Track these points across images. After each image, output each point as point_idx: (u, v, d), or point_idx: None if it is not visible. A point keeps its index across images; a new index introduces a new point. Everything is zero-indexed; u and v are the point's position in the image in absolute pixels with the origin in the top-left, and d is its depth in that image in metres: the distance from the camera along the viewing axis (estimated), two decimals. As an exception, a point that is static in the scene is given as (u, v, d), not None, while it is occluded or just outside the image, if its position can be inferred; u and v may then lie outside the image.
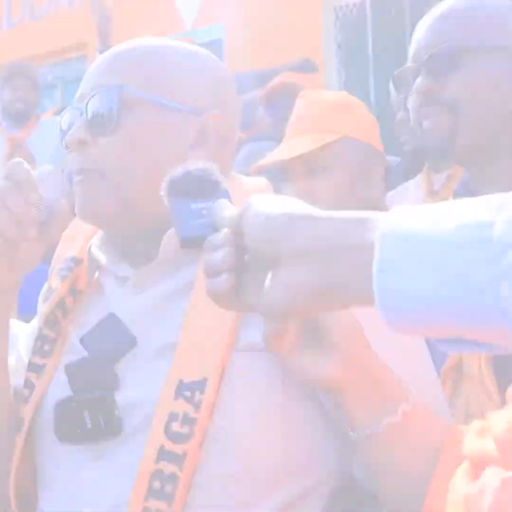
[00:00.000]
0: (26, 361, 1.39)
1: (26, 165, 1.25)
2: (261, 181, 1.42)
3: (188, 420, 1.17)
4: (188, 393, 1.18)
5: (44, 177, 1.28)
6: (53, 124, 5.58)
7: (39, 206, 1.25)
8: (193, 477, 1.17)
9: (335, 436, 1.22)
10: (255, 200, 0.88)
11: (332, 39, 5.44)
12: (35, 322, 1.46)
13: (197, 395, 1.18)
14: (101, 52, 4.83)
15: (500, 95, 1.67)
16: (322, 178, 2.17)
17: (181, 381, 1.19)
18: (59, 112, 5.47)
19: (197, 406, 1.18)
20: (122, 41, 1.43)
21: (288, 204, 0.85)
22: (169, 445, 1.17)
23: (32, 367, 1.35)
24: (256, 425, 1.19)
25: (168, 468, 1.16)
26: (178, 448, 1.16)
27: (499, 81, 1.66)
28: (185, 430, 1.17)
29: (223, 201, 0.96)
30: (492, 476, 0.92)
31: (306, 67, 4.52)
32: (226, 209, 0.93)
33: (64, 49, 6.87)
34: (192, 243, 0.96)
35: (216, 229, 0.93)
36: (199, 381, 1.19)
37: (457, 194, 1.80)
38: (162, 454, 1.17)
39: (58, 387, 1.31)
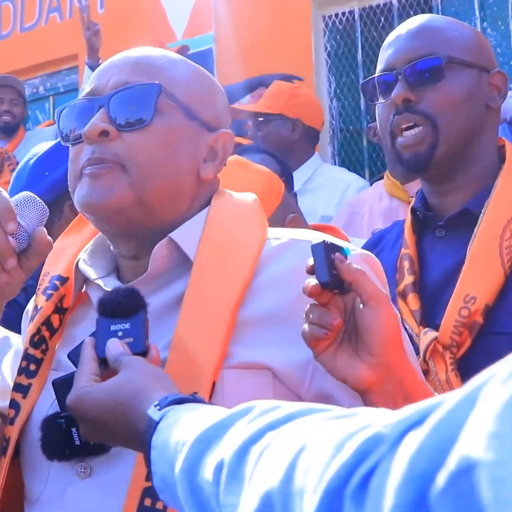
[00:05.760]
0: (9, 381, 1.38)
1: (4, 193, 1.20)
2: (251, 196, 1.42)
3: None
4: None
5: (22, 204, 1.23)
6: (40, 136, 5.57)
7: (18, 235, 1.20)
8: None
9: None
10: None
11: (321, 48, 5.45)
12: (19, 341, 1.45)
13: None
14: (89, 65, 4.83)
15: (471, 108, 1.75)
16: None
17: None
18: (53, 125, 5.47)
19: None
20: (111, 53, 1.41)
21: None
22: None
23: (17, 387, 1.33)
24: None
25: None
26: None
27: (471, 95, 1.75)
28: None
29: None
30: None
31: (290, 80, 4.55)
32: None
33: (54, 61, 6.86)
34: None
35: None
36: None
37: (414, 210, 1.85)
38: None
39: (45, 405, 1.29)
